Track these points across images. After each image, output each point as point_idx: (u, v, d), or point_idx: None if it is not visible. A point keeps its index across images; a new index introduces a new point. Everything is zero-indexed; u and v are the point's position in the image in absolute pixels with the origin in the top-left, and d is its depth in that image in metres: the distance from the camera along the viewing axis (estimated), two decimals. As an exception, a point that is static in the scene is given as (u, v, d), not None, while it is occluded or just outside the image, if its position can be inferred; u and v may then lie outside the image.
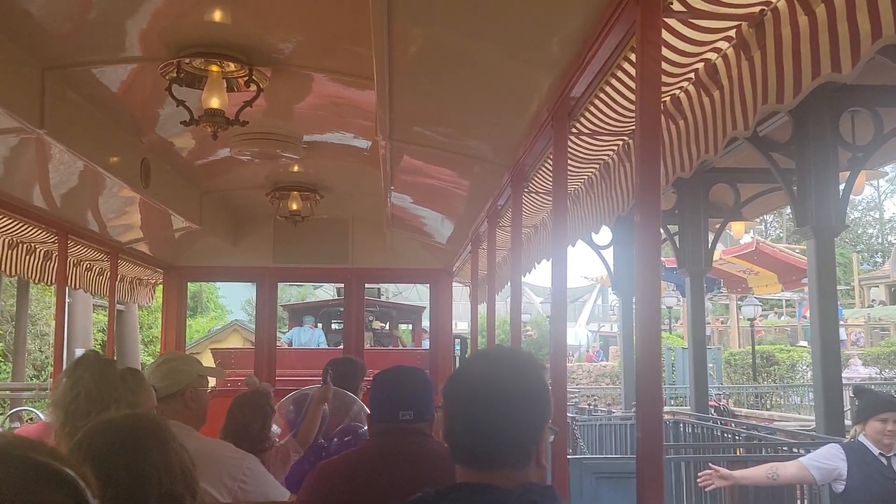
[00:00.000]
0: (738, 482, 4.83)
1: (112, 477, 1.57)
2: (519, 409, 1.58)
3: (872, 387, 13.97)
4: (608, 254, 13.14)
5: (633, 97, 2.39)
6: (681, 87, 2.42)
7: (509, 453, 1.57)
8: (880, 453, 4.22)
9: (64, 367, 6.99)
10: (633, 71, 2.24)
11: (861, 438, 4.31)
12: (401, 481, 2.43)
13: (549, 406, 1.68)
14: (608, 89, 2.53)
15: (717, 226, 11.23)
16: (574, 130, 2.92)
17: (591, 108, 2.69)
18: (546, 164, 3.46)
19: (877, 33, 1.51)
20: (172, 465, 1.69)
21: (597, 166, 3.39)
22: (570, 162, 3.16)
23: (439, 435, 3.43)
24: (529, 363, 1.63)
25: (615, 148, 3.09)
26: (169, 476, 1.66)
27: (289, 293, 34.22)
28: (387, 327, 17.17)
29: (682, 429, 9.57)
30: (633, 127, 2.63)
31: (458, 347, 11.77)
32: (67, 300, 6.42)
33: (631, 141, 2.88)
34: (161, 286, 7.48)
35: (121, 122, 4.28)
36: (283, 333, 16.52)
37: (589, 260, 20.30)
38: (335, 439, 3.98)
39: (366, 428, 4.06)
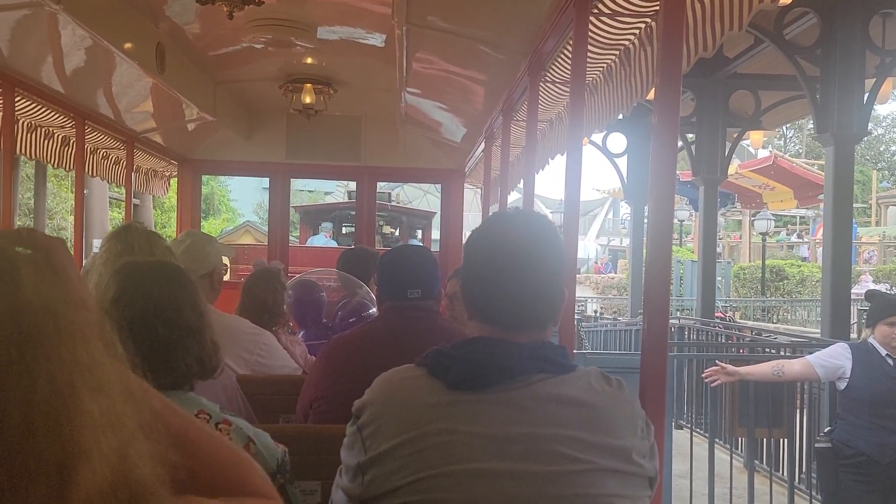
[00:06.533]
0: (744, 378, 4.86)
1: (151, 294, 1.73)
2: (550, 273, 1.52)
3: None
4: (622, 163, 13.07)
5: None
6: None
7: (538, 317, 1.53)
8: (887, 354, 4.28)
9: (84, 256, 7.10)
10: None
11: (871, 340, 4.36)
12: (410, 353, 2.46)
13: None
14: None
15: (735, 135, 11.10)
16: (595, 11, 2.86)
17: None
18: (565, 51, 3.39)
19: None
20: (197, 306, 1.76)
21: (616, 52, 3.32)
22: (589, 48, 3.10)
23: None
24: (551, 225, 1.57)
25: (637, 31, 3.02)
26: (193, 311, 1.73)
27: (300, 198, 34.36)
28: (397, 233, 17.27)
29: (686, 333, 9.69)
30: (657, 7, 2.57)
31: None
32: (84, 191, 6.47)
33: (654, 23, 2.82)
34: (176, 179, 7.52)
35: (135, 4, 4.22)
36: (295, 238, 16.65)
37: (602, 172, 20.16)
38: (339, 318, 4.07)
39: (372, 310, 4.15)
